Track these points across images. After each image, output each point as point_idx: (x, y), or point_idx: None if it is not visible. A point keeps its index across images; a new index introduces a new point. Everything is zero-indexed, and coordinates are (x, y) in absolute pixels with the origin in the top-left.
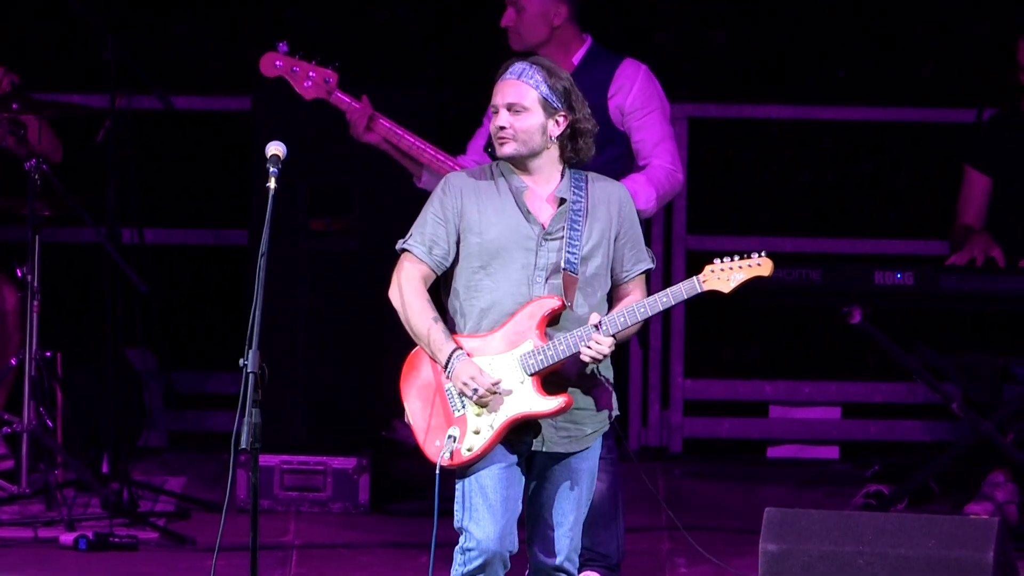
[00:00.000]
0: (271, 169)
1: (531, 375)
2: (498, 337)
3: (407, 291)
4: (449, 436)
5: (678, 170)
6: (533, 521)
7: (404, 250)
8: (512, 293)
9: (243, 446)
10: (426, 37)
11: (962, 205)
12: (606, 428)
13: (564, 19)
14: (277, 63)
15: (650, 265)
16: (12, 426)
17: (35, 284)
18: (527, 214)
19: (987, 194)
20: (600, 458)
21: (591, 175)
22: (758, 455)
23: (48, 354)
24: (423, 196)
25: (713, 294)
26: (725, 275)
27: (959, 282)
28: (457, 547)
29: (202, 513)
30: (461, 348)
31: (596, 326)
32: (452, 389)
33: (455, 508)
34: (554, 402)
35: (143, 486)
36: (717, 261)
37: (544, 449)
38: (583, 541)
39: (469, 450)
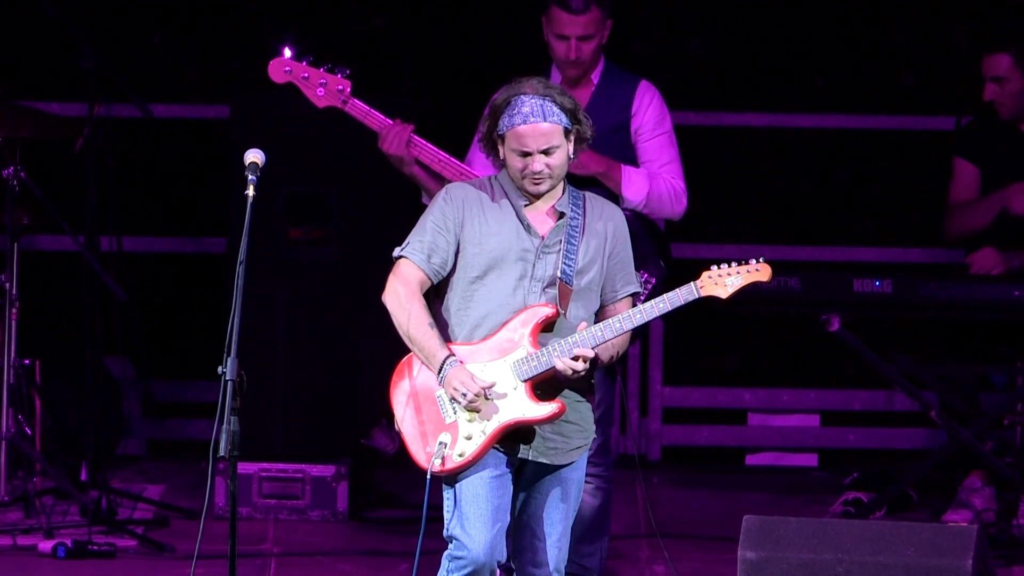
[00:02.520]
0: (250, 177)
1: (524, 381)
2: (491, 344)
3: (404, 296)
4: (440, 442)
5: (682, 193)
6: (521, 532)
7: (401, 257)
8: (507, 304)
9: (222, 454)
10: (405, 47)
11: (954, 193)
12: (589, 444)
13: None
14: (286, 69)
15: (638, 288)
16: None
17: (14, 292)
18: (527, 227)
19: (978, 181)
20: (595, 476)
21: (588, 195)
22: (737, 463)
23: (27, 362)
24: (402, 205)
25: (710, 300)
26: (723, 280)
27: (938, 290)
28: (445, 554)
29: (181, 521)
30: (454, 355)
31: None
32: (443, 395)
33: (445, 515)
34: (547, 408)
35: (122, 494)
36: (714, 267)
37: (531, 458)
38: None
39: (461, 455)
